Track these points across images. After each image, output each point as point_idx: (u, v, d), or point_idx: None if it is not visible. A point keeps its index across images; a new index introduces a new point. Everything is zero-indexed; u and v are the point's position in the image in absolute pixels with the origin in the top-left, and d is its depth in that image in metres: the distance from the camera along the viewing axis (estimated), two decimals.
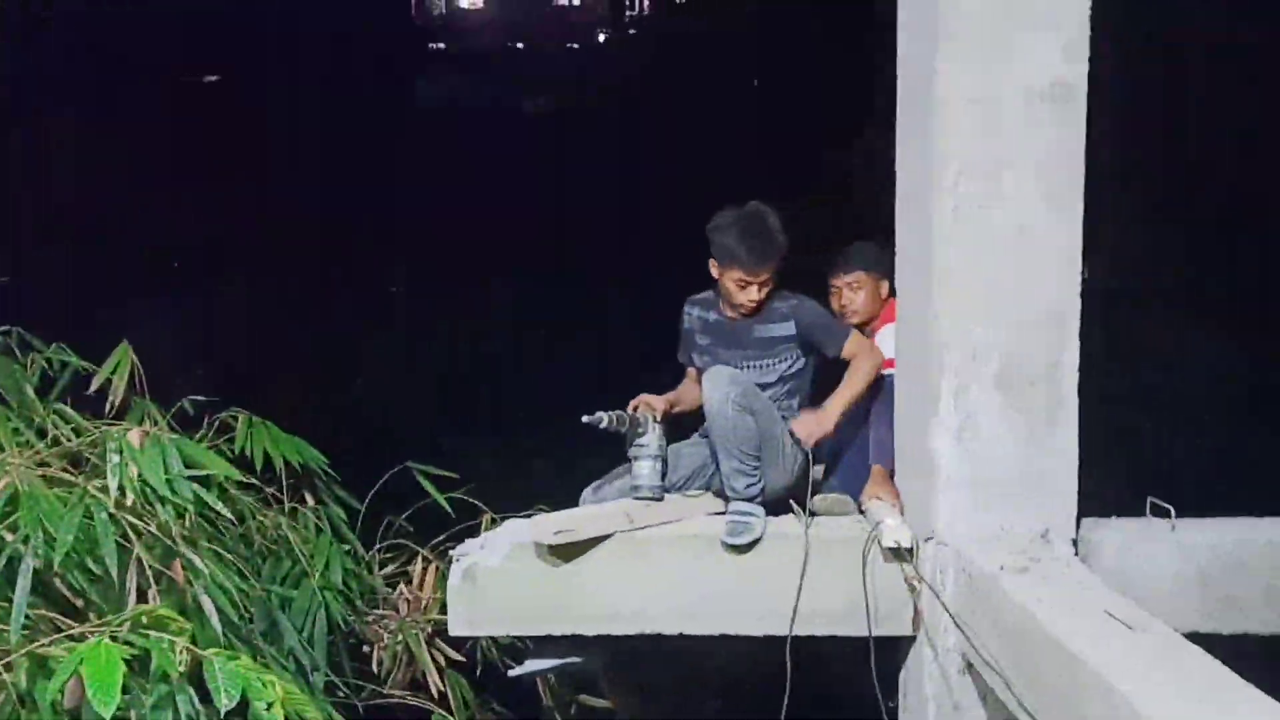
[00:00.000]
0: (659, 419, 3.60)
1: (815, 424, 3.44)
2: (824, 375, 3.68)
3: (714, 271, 3.58)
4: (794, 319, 3.55)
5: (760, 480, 3.43)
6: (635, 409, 3.58)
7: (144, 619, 2.45)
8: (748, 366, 3.58)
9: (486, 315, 6.16)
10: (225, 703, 2.26)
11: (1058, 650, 2.39)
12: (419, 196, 5.91)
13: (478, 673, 4.10)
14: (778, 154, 6.00)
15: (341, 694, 3.72)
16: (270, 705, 2.30)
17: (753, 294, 3.54)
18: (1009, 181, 2.95)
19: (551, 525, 3.26)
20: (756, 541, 3.29)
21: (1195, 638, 3.04)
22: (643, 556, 3.32)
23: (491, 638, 3.96)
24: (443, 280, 6.14)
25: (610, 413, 3.49)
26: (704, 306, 3.73)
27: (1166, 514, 3.23)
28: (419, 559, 4.18)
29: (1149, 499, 3.26)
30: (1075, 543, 3.09)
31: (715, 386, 3.39)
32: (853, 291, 3.79)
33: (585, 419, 3.41)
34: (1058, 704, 2.39)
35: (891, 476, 3.45)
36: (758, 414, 3.43)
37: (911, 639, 3.25)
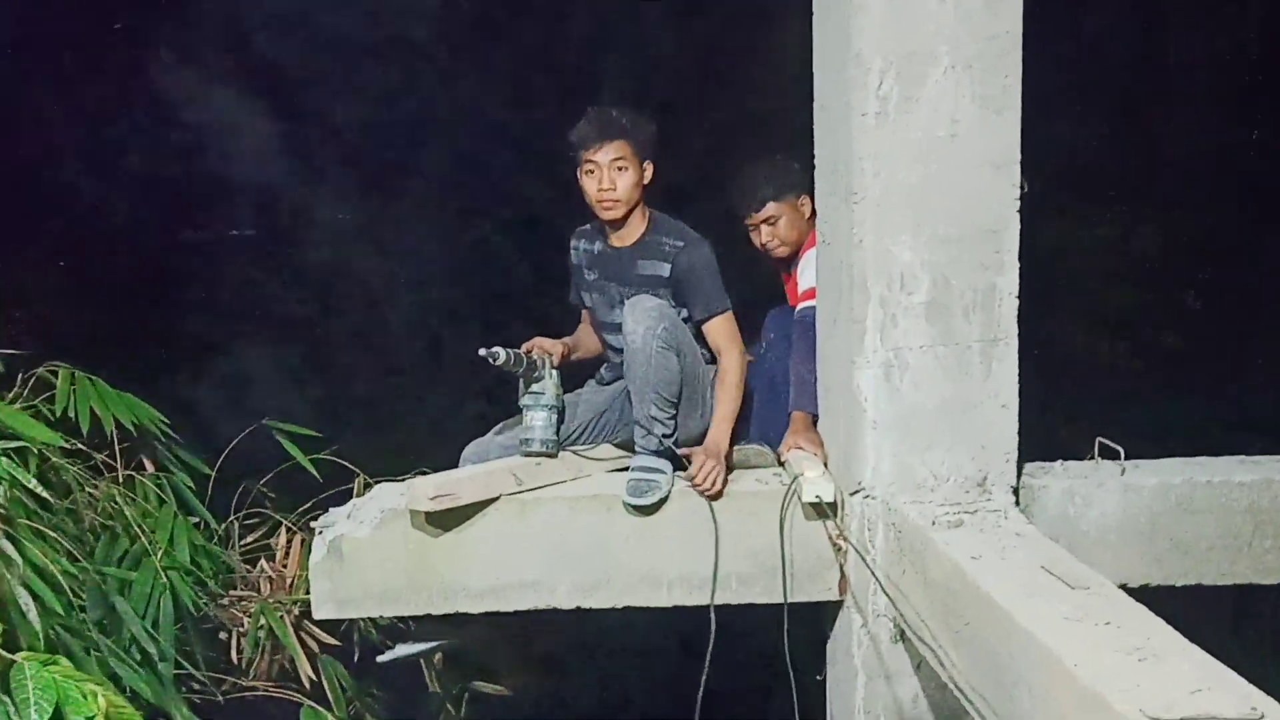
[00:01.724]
0: (556, 364, 3.62)
1: (715, 461, 3.35)
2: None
3: (579, 180, 3.59)
4: (673, 262, 3.55)
5: (675, 430, 3.46)
6: (529, 352, 3.58)
7: None
8: (641, 293, 3.57)
9: (355, 246, 6.10)
10: (35, 718, 2.21)
11: (990, 612, 2.45)
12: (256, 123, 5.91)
13: (355, 658, 4.11)
14: (665, 63, 6.01)
15: (197, 687, 3.71)
16: (91, 718, 2.26)
17: (603, 180, 3.52)
18: (935, 81, 2.97)
19: (428, 489, 3.25)
20: (663, 501, 3.32)
21: (1146, 591, 3.22)
22: (534, 521, 3.33)
23: (368, 618, 3.97)
24: (299, 203, 6.11)
25: (509, 349, 3.49)
26: (588, 237, 3.74)
27: (1116, 455, 3.32)
28: (281, 530, 4.19)
29: (1097, 440, 3.35)
30: (1016, 491, 3.16)
31: (638, 319, 3.39)
32: (771, 226, 3.82)
33: (482, 352, 3.39)
34: (990, 671, 2.44)
35: (815, 423, 3.49)
36: (683, 353, 3.45)
37: (838, 604, 3.32)
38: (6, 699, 2.45)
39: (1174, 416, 4.97)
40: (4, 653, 2.34)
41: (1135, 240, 6.17)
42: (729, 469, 3.49)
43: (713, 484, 3.32)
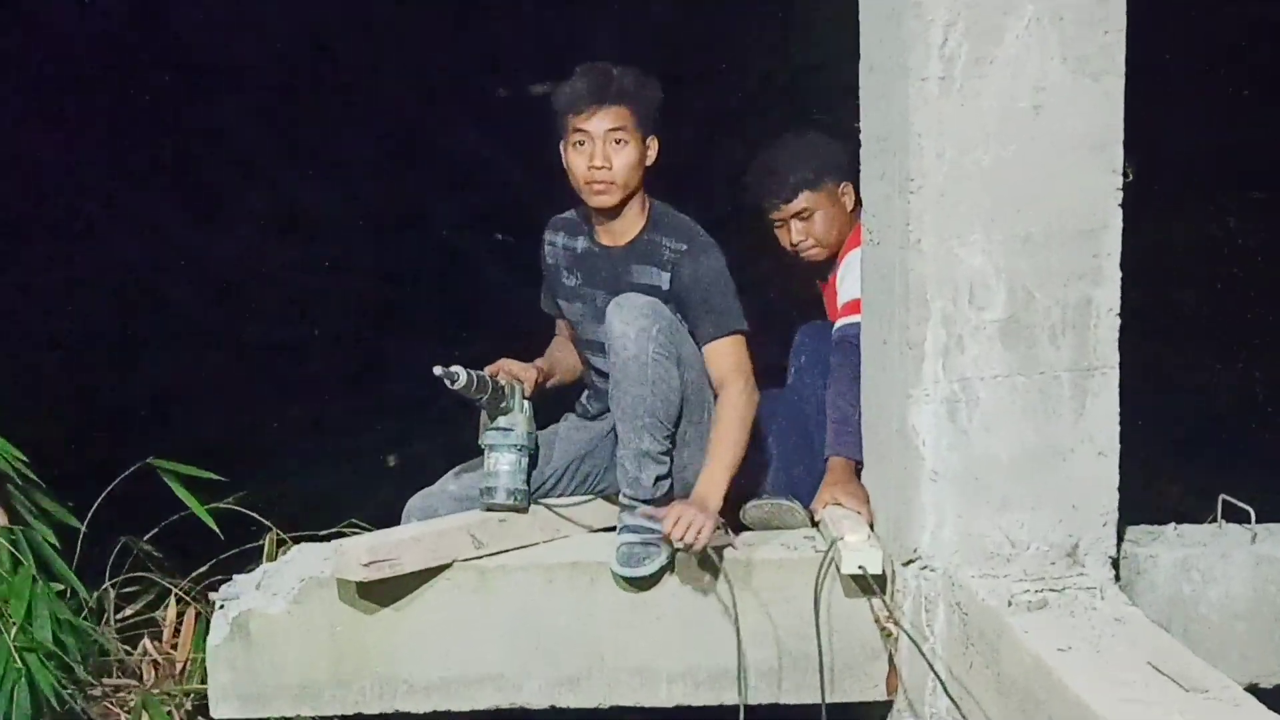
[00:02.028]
0: (528, 394, 3.64)
1: (696, 511, 3.30)
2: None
3: (563, 158, 3.62)
4: (673, 270, 3.56)
5: (671, 474, 3.48)
6: (495, 376, 3.60)
7: None
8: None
9: (265, 235, 6.18)
10: None
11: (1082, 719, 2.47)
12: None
13: None
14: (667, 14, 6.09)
15: None
16: None
17: (596, 155, 3.53)
18: (1016, 38, 3.00)
19: (361, 553, 3.26)
20: (664, 570, 3.34)
21: None
22: (497, 596, 3.36)
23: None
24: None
25: (472, 371, 3.50)
26: (569, 230, 3.76)
27: (1245, 517, 3.36)
28: (170, 600, 4.24)
29: (1220, 497, 3.39)
30: (1116, 563, 3.19)
31: (628, 319, 3.39)
32: (804, 221, 3.86)
33: (437, 371, 3.41)
34: None
35: (858, 472, 3.53)
36: (685, 364, 3.46)
37: (887, 705, 3.34)
38: None
39: None
40: None
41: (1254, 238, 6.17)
42: (743, 528, 3.54)
43: (686, 533, 3.25)
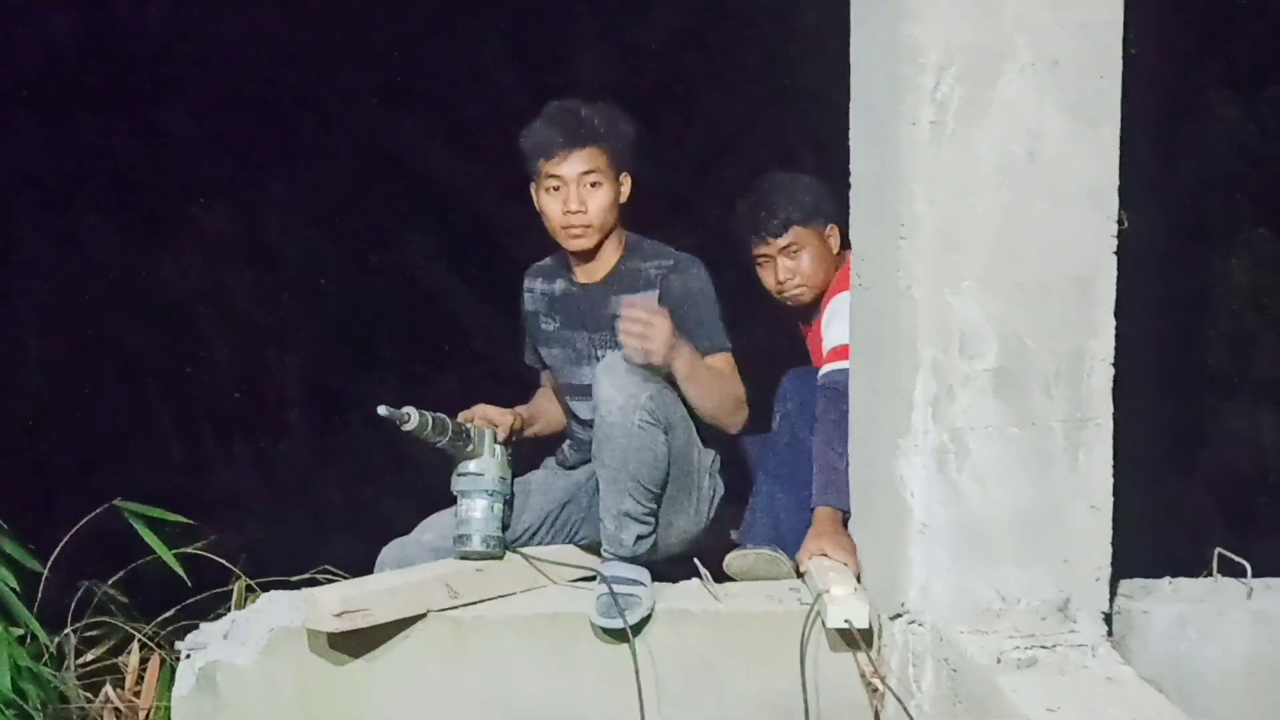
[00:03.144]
0: (502, 440, 3.65)
1: (660, 323, 3.37)
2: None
3: (535, 200, 3.67)
4: (660, 286, 3.61)
5: (654, 532, 3.49)
6: (470, 420, 3.62)
7: None
8: (605, 355, 3.62)
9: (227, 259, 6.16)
10: None
11: None
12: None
13: None
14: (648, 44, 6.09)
15: None
16: None
17: (570, 200, 3.59)
18: (1010, 82, 3.02)
19: (333, 603, 3.27)
20: (646, 621, 3.35)
21: None
22: (473, 648, 3.37)
23: None
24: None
25: (425, 412, 3.51)
26: (546, 276, 3.82)
27: (1242, 572, 3.38)
28: (134, 646, 4.23)
29: (1216, 550, 3.41)
30: (1109, 619, 3.20)
31: (616, 384, 3.40)
32: (790, 258, 3.93)
33: (382, 411, 3.42)
34: None
35: (845, 522, 3.55)
36: (673, 429, 3.48)
37: None
38: None
39: None
40: None
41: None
42: (726, 578, 3.55)
43: (644, 334, 3.33)
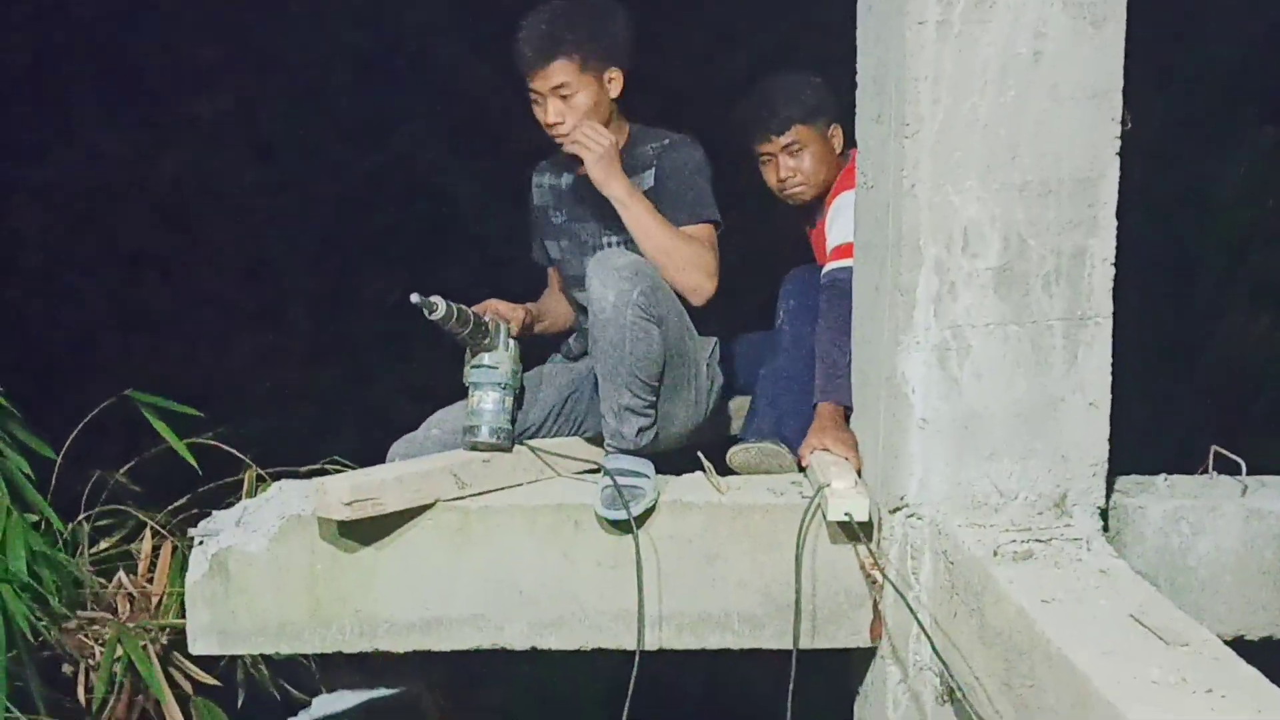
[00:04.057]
0: (514, 334, 3.71)
1: (594, 132, 3.58)
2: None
3: None
4: (657, 164, 3.70)
5: (655, 423, 3.55)
6: (481, 314, 3.68)
7: None
8: (610, 243, 3.73)
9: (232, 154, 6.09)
10: None
11: (1063, 673, 2.53)
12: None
13: (239, 702, 4.21)
14: None
15: None
16: None
17: (548, 113, 3.67)
18: None
19: (343, 491, 3.31)
20: (649, 513, 3.41)
21: (1270, 646, 3.32)
22: (479, 536, 3.41)
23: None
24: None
25: (452, 302, 3.57)
26: (553, 171, 3.89)
27: (1236, 469, 3.43)
28: (146, 533, 4.29)
29: (1212, 449, 3.45)
30: (1105, 514, 3.25)
31: (607, 281, 3.45)
32: (792, 156, 3.98)
33: (414, 298, 3.48)
34: None
35: (846, 418, 3.59)
36: (666, 323, 3.53)
37: (871, 652, 3.43)
38: None
39: None
40: None
41: None
42: (729, 472, 3.62)
43: (588, 142, 3.54)
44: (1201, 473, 3.52)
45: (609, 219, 3.71)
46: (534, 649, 3.44)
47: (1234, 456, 3.44)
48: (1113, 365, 3.21)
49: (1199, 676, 2.42)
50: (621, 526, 3.39)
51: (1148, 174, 3.21)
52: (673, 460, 3.66)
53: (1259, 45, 5.34)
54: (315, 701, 3.77)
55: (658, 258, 3.59)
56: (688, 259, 3.62)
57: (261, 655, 4.03)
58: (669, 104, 3.98)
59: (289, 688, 4.10)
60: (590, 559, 3.41)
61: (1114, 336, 3.20)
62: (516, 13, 3.70)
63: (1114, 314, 3.19)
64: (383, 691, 3.70)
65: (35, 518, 4.08)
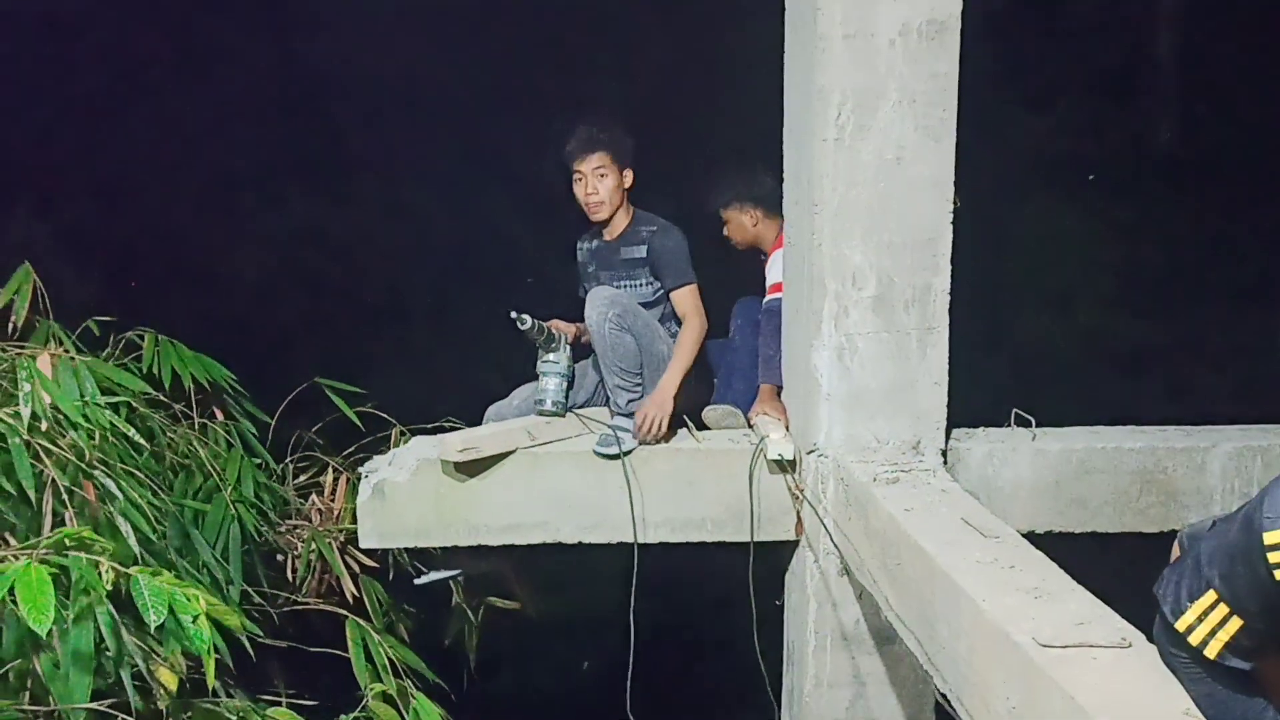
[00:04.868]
0: (570, 341, 3.75)
1: (655, 408, 3.48)
2: None
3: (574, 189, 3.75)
4: (649, 244, 3.70)
5: (640, 396, 3.58)
6: (551, 326, 3.72)
7: (66, 540, 2.55)
8: (620, 286, 3.73)
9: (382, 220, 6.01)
10: (154, 618, 2.37)
11: (918, 555, 2.61)
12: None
13: (391, 577, 4.24)
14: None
15: (257, 603, 3.84)
16: (196, 618, 2.43)
17: (587, 188, 3.67)
18: (885, 113, 3.08)
19: (457, 443, 3.37)
20: (625, 454, 3.43)
21: (1050, 537, 3.38)
22: (543, 471, 3.46)
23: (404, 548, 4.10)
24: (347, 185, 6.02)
25: (534, 318, 3.63)
26: (589, 238, 3.89)
27: (1028, 424, 3.47)
28: (329, 470, 4.27)
29: (1013, 411, 3.49)
30: (945, 453, 3.30)
31: (594, 306, 3.55)
32: (726, 225, 3.96)
33: (513, 314, 3.53)
34: (916, 604, 2.62)
35: (779, 394, 3.61)
36: (637, 333, 3.57)
37: (795, 544, 3.47)
38: (109, 604, 2.60)
39: (1106, 390, 4.98)
40: (120, 567, 2.49)
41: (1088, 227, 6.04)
42: (702, 427, 3.62)
43: (649, 429, 3.43)
44: (1007, 426, 3.53)
45: (619, 272, 3.74)
46: (580, 543, 3.48)
47: (1027, 415, 3.47)
48: (950, 356, 3.26)
49: (1005, 557, 2.50)
50: (610, 459, 3.41)
51: (971, 235, 3.23)
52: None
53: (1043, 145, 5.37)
54: (429, 572, 3.82)
55: (693, 352, 3.63)
56: (695, 341, 3.64)
57: (404, 549, 4.06)
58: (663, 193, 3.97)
59: (421, 567, 4.13)
60: (615, 484, 3.44)
61: (951, 337, 3.24)
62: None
63: (950, 323, 3.23)
64: (460, 572, 3.75)
65: (258, 461, 4.07)
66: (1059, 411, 3.60)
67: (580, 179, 3.69)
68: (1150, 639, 2.01)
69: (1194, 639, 1.75)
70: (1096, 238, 5.77)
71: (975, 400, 3.48)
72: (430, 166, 6.27)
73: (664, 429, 3.46)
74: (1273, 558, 1.59)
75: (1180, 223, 5.63)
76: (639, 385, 3.57)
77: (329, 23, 5.87)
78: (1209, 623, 1.74)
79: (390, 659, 3.28)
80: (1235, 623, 1.71)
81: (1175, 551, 1.95)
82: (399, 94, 6.15)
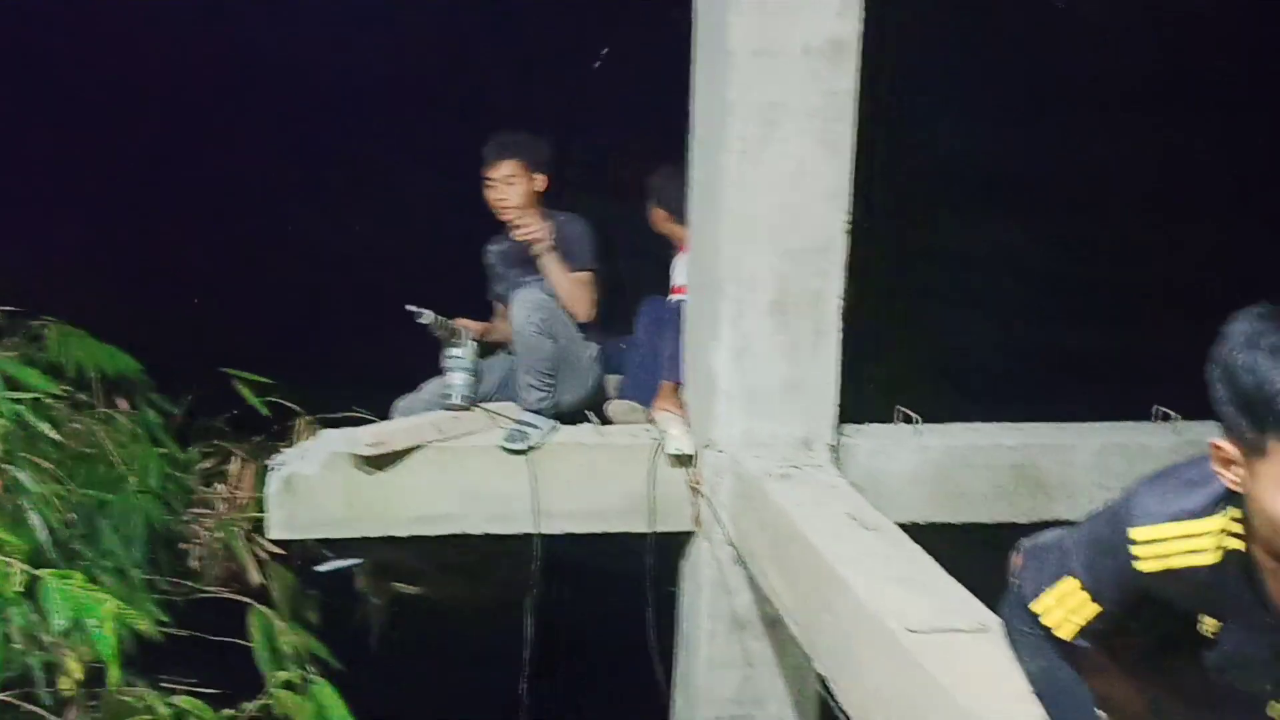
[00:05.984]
0: (475, 338, 3.81)
1: (541, 230, 3.67)
2: None
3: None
4: (557, 231, 3.79)
5: (551, 395, 3.67)
6: (454, 322, 3.77)
7: None
8: (530, 282, 3.81)
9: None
10: (60, 623, 2.41)
11: (804, 547, 2.73)
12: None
13: (299, 564, 4.27)
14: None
15: (160, 592, 3.82)
16: (102, 623, 2.47)
17: (496, 194, 3.77)
18: (787, 126, 3.20)
19: (366, 437, 3.41)
20: (531, 449, 3.50)
21: (932, 527, 3.54)
22: (451, 464, 3.50)
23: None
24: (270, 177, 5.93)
25: (435, 313, 3.67)
26: (497, 242, 3.98)
27: (912, 420, 3.63)
28: (234, 459, 4.28)
29: (897, 408, 3.64)
30: (834, 449, 3.42)
31: (520, 307, 3.62)
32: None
33: (410, 308, 3.57)
34: (803, 593, 2.76)
35: (678, 391, 3.71)
36: (558, 338, 3.67)
37: (691, 534, 3.57)
38: (24, 604, 2.63)
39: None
40: (31, 569, 2.52)
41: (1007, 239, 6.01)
42: (607, 421, 3.71)
43: (529, 232, 3.63)
44: (891, 423, 3.65)
45: (530, 270, 3.81)
46: (487, 534, 3.52)
47: (911, 413, 3.61)
48: (841, 356, 3.36)
49: (883, 549, 2.63)
50: (515, 453, 3.48)
51: (866, 244, 3.37)
52: (573, 418, 3.75)
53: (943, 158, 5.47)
54: (330, 560, 3.86)
55: (559, 293, 3.73)
56: (575, 296, 3.74)
57: (313, 539, 4.06)
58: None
59: (329, 554, 4.15)
60: (521, 477, 3.49)
61: (844, 339, 3.35)
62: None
63: (843, 326, 3.34)
64: (358, 561, 3.80)
65: (164, 451, 4.06)
66: (967, 411, 3.74)
67: (491, 185, 3.76)
68: None
69: (1048, 620, 1.95)
70: (1015, 248, 5.88)
71: (862, 397, 3.60)
72: (357, 156, 6.08)
73: (538, 239, 3.66)
74: (1134, 550, 1.79)
75: (1099, 232, 5.77)
76: (550, 385, 3.65)
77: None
78: (1065, 607, 1.94)
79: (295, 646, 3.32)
80: (1092, 609, 1.91)
81: (1017, 560, 2.13)
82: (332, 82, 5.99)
